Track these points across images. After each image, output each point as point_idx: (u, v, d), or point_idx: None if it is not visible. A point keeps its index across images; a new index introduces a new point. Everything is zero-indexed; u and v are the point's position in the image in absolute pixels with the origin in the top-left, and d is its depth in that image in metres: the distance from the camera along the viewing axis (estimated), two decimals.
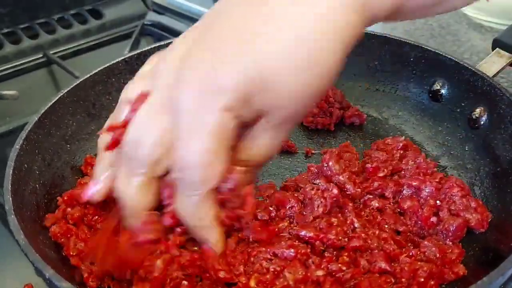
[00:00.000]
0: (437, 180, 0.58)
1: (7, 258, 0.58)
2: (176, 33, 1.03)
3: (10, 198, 0.49)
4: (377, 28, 1.08)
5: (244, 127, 0.44)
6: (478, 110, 0.65)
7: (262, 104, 0.41)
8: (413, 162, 0.61)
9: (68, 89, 0.66)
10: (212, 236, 0.47)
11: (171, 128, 0.42)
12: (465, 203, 0.55)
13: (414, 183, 0.57)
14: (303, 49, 0.39)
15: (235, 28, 0.41)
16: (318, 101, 0.45)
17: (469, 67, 0.65)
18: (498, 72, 0.67)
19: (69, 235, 0.52)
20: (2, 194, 0.61)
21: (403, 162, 0.62)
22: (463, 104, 0.67)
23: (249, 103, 0.40)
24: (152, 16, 1.14)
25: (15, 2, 1.03)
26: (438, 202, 0.56)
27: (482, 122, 0.65)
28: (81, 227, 0.54)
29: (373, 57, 0.75)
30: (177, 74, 0.42)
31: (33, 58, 0.98)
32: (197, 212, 0.44)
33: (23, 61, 0.97)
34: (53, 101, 0.63)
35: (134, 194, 0.45)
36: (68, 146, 0.65)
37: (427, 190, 0.57)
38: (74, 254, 0.51)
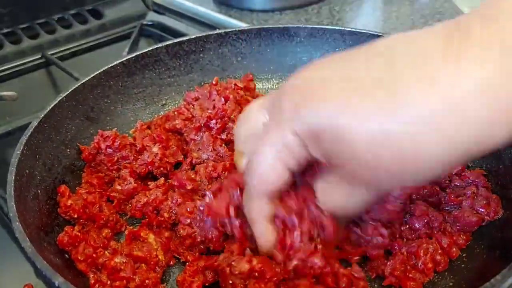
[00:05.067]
0: (460, 169, 0.59)
1: (7, 259, 0.58)
2: (176, 33, 1.03)
3: (14, 205, 0.49)
4: (376, 28, 1.09)
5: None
6: None
7: (331, 153, 0.40)
8: None
9: (67, 93, 0.66)
10: (256, 231, 0.49)
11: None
12: (485, 198, 0.56)
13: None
14: (404, 131, 0.35)
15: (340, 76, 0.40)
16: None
17: None
18: None
19: (76, 243, 0.53)
20: (1, 195, 0.63)
21: None
22: None
23: (319, 145, 0.40)
24: (152, 16, 1.14)
25: (15, 2, 1.03)
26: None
27: None
28: (90, 234, 0.55)
29: None
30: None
31: (32, 58, 0.98)
32: (250, 207, 0.48)
33: (22, 62, 0.97)
34: (52, 105, 0.63)
35: None
36: (68, 150, 0.65)
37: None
38: (82, 259, 0.52)
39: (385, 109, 0.35)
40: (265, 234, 0.49)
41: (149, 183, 0.62)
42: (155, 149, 0.63)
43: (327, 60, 0.42)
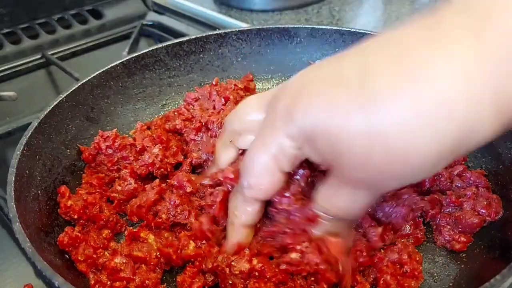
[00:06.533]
0: (461, 170, 0.59)
1: (7, 259, 0.58)
2: (176, 33, 1.03)
3: (14, 205, 0.49)
4: (376, 28, 1.09)
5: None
6: None
7: (325, 154, 0.40)
8: None
9: (67, 93, 0.66)
10: (231, 235, 0.51)
11: None
12: (486, 198, 0.56)
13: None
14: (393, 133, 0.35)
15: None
16: (399, 183, 0.41)
17: None
18: None
19: (76, 244, 0.53)
20: (1, 196, 0.63)
21: None
22: None
23: (314, 147, 0.40)
24: (152, 16, 1.14)
25: (15, 2, 1.03)
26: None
27: None
28: (90, 234, 0.55)
29: None
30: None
31: (32, 58, 0.98)
32: (235, 208, 0.50)
33: (22, 62, 0.97)
34: (52, 106, 0.63)
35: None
36: (68, 151, 0.65)
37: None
38: (82, 259, 0.52)
39: (367, 107, 0.34)
40: (236, 239, 0.50)
41: (146, 186, 0.62)
42: (156, 150, 0.63)
43: (321, 62, 0.42)
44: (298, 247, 0.50)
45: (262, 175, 0.45)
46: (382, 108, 0.34)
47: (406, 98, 0.33)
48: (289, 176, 0.48)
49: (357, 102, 0.35)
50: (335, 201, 0.44)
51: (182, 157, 0.66)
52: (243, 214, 0.49)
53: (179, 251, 0.52)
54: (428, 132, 0.33)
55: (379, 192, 0.43)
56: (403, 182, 0.40)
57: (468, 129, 0.34)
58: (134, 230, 0.55)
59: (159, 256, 0.53)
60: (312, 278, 0.50)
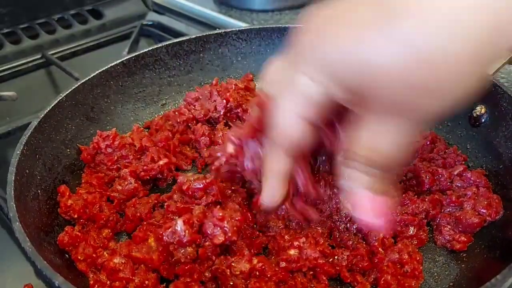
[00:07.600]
0: (461, 170, 0.60)
1: (7, 259, 0.58)
2: (176, 33, 1.03)
3: (14, 205, 0.49)
4: None
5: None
6: (478, 108, 0.64)
7: (354, 85, 0.38)
8: (443, 153, 0.63)
9: (67, 92, 0.66)
10: (264, 183, 0.49)
11: None
12: (486, 198, 0.56)
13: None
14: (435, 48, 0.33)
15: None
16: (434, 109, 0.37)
17: None
18: (497, 70, 0.66)
19: (76, 243, 0.53)
20: (1, 196, 0.63)
21: (434, 152, 0.64)
22: None
23: (341, 81, 0.38)
24: (152, 16, 1.14)
25: (15, 2, 1.03)
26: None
27: (483, 120, 0.64)
28: (90, 234, 0.55)
29: None
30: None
31: (32, 58, 0.98)
32: (267, 159, 0.48)
33: (22, 62, 0.97)
34: (52, 105, 0.63)
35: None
36: (68, 150, 0.65)
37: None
38: (82, 259, 0.52)
39: (389, 24, 0.34)
40: (271, 190, 0.48)
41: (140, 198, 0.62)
42: (162, 162, 0.63)
43: (326, 4, 0.40)
44: (296, 243, 0.50)
45: (286, 128, 0.43)
46: (403, 21, 0.33)
47: (425, 4, 0.33)
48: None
49: (380, 22, 0.34)
50: (377, 142, 0.40)
51: (190, 166, 0.67)
52: (268, 163, 0.48)
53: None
54: (456, 28, 0.32)
55: (418, 120, 0.39)
56: (441, 103, 0.36)
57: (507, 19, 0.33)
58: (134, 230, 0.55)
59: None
60: (311, 273, 0.50)
